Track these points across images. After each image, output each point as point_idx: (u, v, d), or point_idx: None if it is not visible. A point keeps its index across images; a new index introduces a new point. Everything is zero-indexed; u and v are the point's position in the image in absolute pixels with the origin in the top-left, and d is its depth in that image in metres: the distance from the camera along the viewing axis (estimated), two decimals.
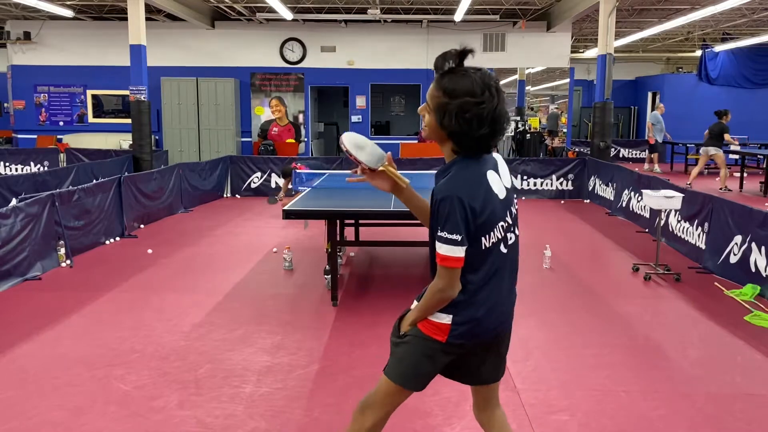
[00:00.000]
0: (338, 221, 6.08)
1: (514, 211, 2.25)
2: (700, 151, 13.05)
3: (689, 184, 11.63)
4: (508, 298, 2.31)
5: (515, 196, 2.32)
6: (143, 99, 11.37)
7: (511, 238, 2.23)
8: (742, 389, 3.84)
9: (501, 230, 2.16)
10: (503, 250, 2.20)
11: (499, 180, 2.17)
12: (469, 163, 2.11)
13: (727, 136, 12.40)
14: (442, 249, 2.05)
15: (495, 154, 2.24)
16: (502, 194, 2.16)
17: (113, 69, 15.51)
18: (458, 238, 2.03)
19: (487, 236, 2.11)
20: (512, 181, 2.35)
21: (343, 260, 6.94)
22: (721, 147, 12.51)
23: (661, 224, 6.88)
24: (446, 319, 2.17)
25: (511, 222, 2.22)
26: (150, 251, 7.39)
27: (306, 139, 16.08)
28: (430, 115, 2.13)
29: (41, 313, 5.15)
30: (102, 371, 4.02)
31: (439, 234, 2.06)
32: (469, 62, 2.15)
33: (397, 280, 6.34)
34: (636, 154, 19.13)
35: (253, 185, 12.24)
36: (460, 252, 2.05)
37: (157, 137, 15.30)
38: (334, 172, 8.36)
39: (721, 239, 6.41)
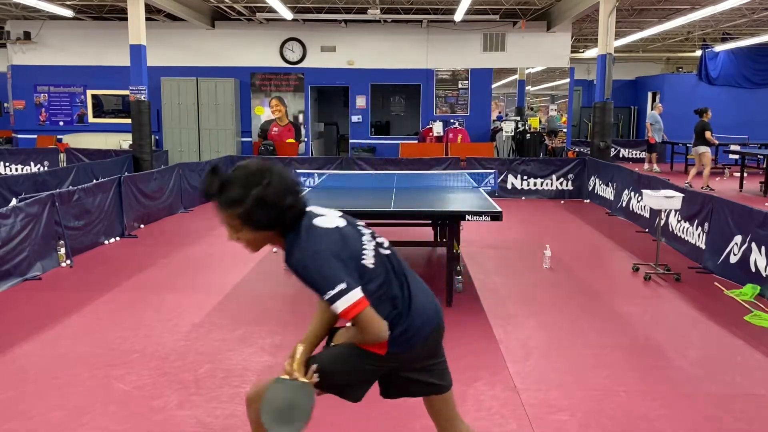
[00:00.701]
0: None
1: (362, 224, 2.31)
2: (691, 151, 13.13)
3: (688, 183, 11.63)
4: (422, 287, 2.34)
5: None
6: (143, 99, 11.37)
7: (383, 243, 2.29)
8: (742, 389, 3.84)
9: (369, 241, 2.22)
10: (385, 252, 2.26)
11: (329, 216, 2.22)
12: (299, 228, 2.13)
13: (707, 134, 12.37)
14: (340, 306, 2.02)
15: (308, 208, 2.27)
16: (342, 222, 2.21)
17: (113, 69, 15.51)
18: (344, 286, 2.01)
19: (364, 256, 2.15)
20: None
21: None
22: (708, 145, 12.51)
23: (661, 224, 6.88)
24: None
25: (370, 232, 2.28)
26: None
27: (306, 139, 16.09)
28: (241, 233, 2.12)
29: (41, 313, 5.15)
30: (102, 371, 4.02)
31: (326, 298, 2.02)
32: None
33: None
34: (636, 154, 19.13)
35: None
36: (357, 294, 2.03)
37: (157, 137, 15.30)
38: (334, 172, 8.36)
39: (721, 239, 6.41)
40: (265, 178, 2.06)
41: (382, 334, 2.10)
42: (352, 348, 2.25)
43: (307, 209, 2.22)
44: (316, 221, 2.16)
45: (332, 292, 2.01)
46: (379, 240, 2.29)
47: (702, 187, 11.98)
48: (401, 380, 2.37)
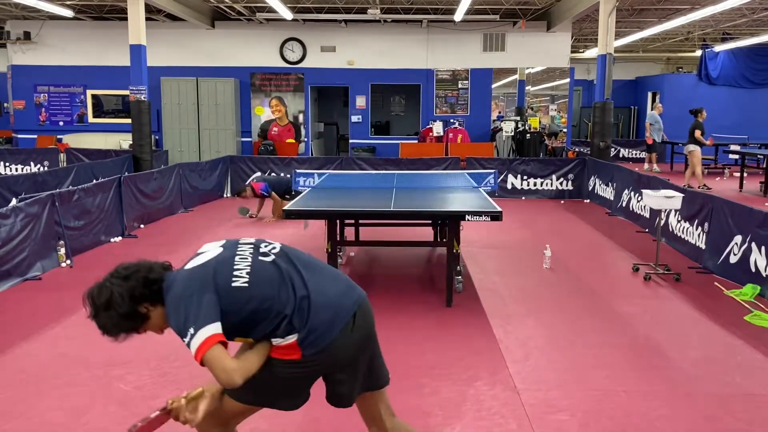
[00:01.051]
0: (338, 221, 6.08)
1: (246, 241, 2.35)
2: (684, 150, 13.17)
3: (687, 185, 11.62)
4: (329, 279, 2.29)
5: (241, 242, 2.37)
6: (143, 99, 11.37)
7: (271, 250, 2.31)
8: (742, 389, 3.84)
9: (245, 258, 2.23)
10: (268, 259, 2.26)
11: (206, 253, 2.27)
12: (164, 289, 2.20)
13: (697, 133, 12.36)
14: (192, 350, 2.06)
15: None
16: (216, 252, 2.25)
17: (113, 69, 15.51)
18: (192, 330, 2.05)
19: (235, 279, 2.16)
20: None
21: (343, 260, 6.94)
22: (700, 145, 12.49)
23: (661, 224, 6.88)
24: (292, 338, 2.17)
25: (252, 245, 2.31)
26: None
27: (306, 139, 16.09)
28: (145, 329, 2.28)
29: (41, 313, 5.14)
30: (102, 371, 4.02)
31: (187, 344, 2.07)
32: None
33: (397, 280, 6.34)
34: (636, 154, 19.12)
35: None
36: (204, 334, 2.04)
37: (157, 137, 15.30)
38: (334, 172, 8.36)
39: (721, 239, 6.41)
40: (105, 295, 2.18)
41: (228, 376, 2.06)
42: (270, 362, 2.22)
43: (199, 251, 2.31)
44: (186, 267, 2.22)
45: (186, 340, 2.07)
46: (263, 249, 2.29)
47: (698, 186, 11.98)
48: (336, 382, 2.33)
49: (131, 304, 2.16)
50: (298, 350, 2.16)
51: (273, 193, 9.54)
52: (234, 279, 2.15)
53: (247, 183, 10.35)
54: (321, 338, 2.16)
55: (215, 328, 2.07)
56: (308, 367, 2.21)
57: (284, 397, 2.29)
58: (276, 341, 2.18)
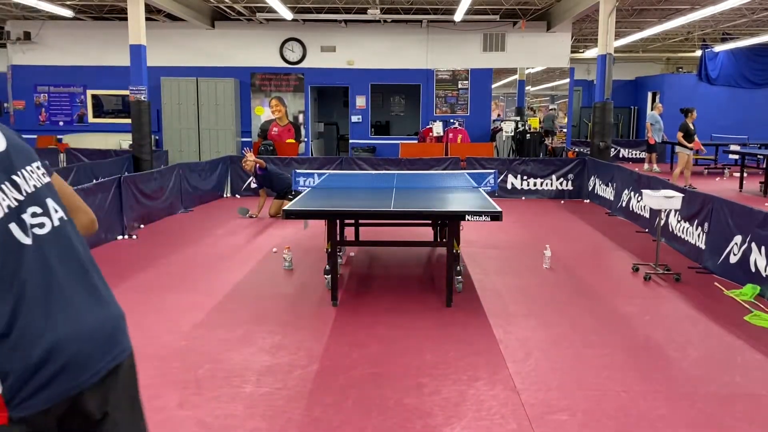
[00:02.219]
0: (338, 221, 6.09)
1: (24, 184, 1.47)
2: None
3: (688, 185, 11.62)
4: (79, 318, 1.47)
5: (41, 171, 1.59)
6: (143, 99, 11.37)
7: (34, 227, 1.44)
8: (742, 389, 3.84)
9: None
10: (19, 236, 1.39)
11: None
12: None
13: (678, 135, 12.26)
14: None
15: None
16: None
17: (113, 69, 15.52)
18: None
19: None
20: (16, 148, 1.52)
21: (343, 260, 6.94)
22: (686, 145, 12.40)
23: (661, 224, 6.88)
24: None
25: (21, 199, 1.44)
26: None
27: (306, 139, 16.09)
28: None
29: None
30: None
31: None
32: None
33: (397, 280, 6.34)
34: (636, 154, 19.13)
35: (253, 185, 12.21)
36: None
37: (157, 137, 15.30)
38: (334, 172, 8.36)
39: (721, 239, 6.41)
40: None
41: None
42: None
43: None
44: None
45: None
46: (27, 216, 1.42)
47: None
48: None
49: None
50: (3, 408, 1.33)
51: (263, 189, 9.85)
52: None
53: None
54: (35, 395, 1.36)
55: None
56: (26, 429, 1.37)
57: None
58: None
